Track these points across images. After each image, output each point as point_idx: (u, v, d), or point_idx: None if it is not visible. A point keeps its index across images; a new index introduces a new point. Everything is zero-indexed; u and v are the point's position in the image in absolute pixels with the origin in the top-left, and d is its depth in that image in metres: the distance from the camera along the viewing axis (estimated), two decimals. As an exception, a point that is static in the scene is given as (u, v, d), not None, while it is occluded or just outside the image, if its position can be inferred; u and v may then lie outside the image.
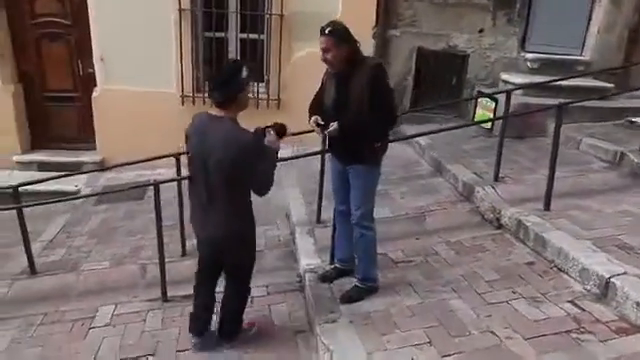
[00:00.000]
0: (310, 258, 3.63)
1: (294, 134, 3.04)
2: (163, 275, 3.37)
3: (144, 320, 3.19)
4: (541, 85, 5.34)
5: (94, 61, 5.90)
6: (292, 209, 4.51)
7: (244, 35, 6.12)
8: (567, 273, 3.06)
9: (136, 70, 5.75)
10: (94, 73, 5.94)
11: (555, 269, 3.15)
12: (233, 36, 6.15)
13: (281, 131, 2.68)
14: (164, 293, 3.38)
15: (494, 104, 5.78)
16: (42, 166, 5.96)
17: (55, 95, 6.20)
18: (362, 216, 2.94)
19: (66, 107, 6.21)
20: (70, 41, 6.01)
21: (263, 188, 2.51)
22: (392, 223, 4.12)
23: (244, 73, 2.45)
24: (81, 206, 5.30)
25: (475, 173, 4.60)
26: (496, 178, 4.38)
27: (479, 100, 6.09)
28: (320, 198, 4.11)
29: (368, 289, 3.03)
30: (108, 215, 5.02)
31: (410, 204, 4.42)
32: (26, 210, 5.42)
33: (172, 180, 3.61)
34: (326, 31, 2.71)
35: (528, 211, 3.69)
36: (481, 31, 6.17)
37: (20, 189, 5.45)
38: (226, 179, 2.45)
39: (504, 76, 6.13)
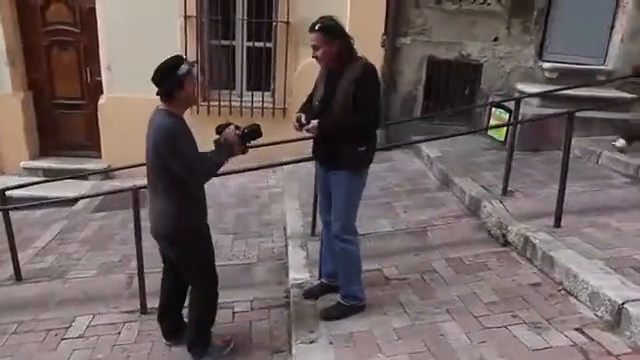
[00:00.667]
0: (299, 272, 3.43)
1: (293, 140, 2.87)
2: (142, 286, 3.22)
3: (119, 333, 3.04)
4: (554, 93, 5.03)
5: (101, 68, 5.91)
6: (288, 220, 4.33)
7: (252, 43, 6.07)
8: (576, 297, 2.77)
9: (141, 77, 5.61)
10: (101, 80, 5.94)
11: (563, 292, 2.85)
12: (240, 44, 6.09)
13: (252, 133, 2.59)
14: (143, 305, 3.23)
15: (507, 115, 5.50)
16: (47, 173, 5.96)
17: (63, 102, 6.24)
18: (342, 228, 2.74)
19: (74, 114, 6.24)
20: (79, 49, 6.06)
21: (194, 174, 2.44)
22: (391, 237, 3.89)
23: (182, 69, 2.38)
24: (79, 213, 5.24)
25: (483, 187, 4.33)
26: (505, 192, 4.10)
27: (492, 111, 5.83)
28: (315, 209, 3.92)
29: (351, 307, 2.81)
30: (104, 223, 4.93)
31: (412, 218, 4.17)
32: (24, 217, 5.48)
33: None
34: (316, 27, 2.60)
35: (537, 227, 3.40)
36: (495, 39, 5.92)
37: (20, 196, 5.50)
38: (155, 167, 2.44)
39: (520, 86, 5.85)
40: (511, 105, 5.15)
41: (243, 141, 2.59)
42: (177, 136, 2.38)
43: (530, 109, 5.46)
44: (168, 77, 2.36)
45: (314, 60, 2.70)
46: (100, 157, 6.16)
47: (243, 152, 2.64)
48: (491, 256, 3.38)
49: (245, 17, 5.98)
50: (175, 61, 2.41)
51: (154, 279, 3.29)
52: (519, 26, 5.91)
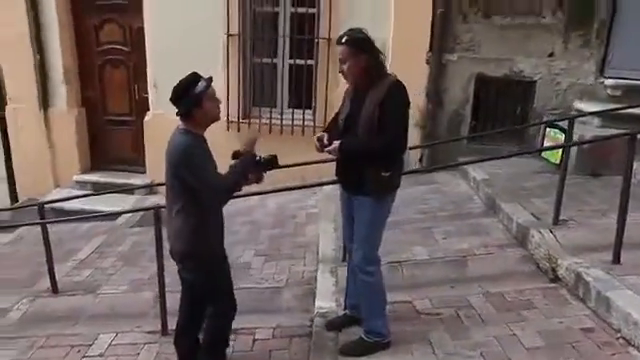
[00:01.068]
0: (325, 300, 3.25)
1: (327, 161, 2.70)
2: (163, 307, 3.16)
3: (138, 354, 2.99)
4: (616, 112, 4.58)
5: (148, 86, 6.10)
6: (320, 244, 4.17)
7: (298, 61, 6.05)
8: (637, 347, 2.39)
9: (185, 95, 5.85)
10: (148, 97, 6.13)
11: (621, 340, 2.48)
12: (282, 61, 6.08)
13: (268, 162, 2.49)
14: (164, 326, 3.17)
15: (563, 136, 5.08)
16: (96, 186, 6.19)
17: (113, 119, 6.50)
18: (364, 258, 2.54)
19: (122, 130, 6.48)
20: (129, 67, 6.30)
21: (210, 194, 2.36)
22: (427, 266, 3.63)
23: (199, 87, 2.30)
24: (119, 228, 5.36)
25: (533, 214, 3.96)
26: (556, 221, 3.72)
27: (547, 132, 5.42)
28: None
29: (374, 344, 2.59)
30: (140, 238, 4.99)
31: (452, 246, 3.88)
32: (73, 229, 5.68)
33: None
34: (342, 40, 2.44)
35: (591, 263, 3.03)
36: (551, 55, 5.52)
37: (70, 209, 5.74)
38: (173, 187, 2.40)
39: (578, 105, 5.40)
40: (566, 124, 4.76)
41: (258, 169, 2.50)
42: (194, 156, 2.31)
43: (590, 129, 5.02)
44: (185, 96, 2.31)
45: None
46: (145, 172, 6.32)
47: (257, 181, 2.54)
48: (537, 292, 3.04)
49: (287, 34, 5.98)
50: (191, 79, 2.36)
51: (177, 300, 3.26)
52: (578, 40, 5.48)
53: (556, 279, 3.18)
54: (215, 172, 2.38)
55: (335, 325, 2.86)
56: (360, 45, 2.42)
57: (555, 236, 3.51)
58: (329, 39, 5.72)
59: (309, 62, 5.97)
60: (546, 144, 5.39)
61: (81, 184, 6.32)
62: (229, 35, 5.81)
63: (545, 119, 5.50)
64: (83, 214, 5.48)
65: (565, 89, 5.57)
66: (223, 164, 2.48)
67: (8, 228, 5.44)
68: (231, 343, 2.92)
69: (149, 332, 3.21)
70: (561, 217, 3.78)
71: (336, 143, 2.45)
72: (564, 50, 5.52)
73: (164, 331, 3.16)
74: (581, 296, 2.90)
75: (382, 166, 2.43)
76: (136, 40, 6.14)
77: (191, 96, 2.30)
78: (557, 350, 2.46)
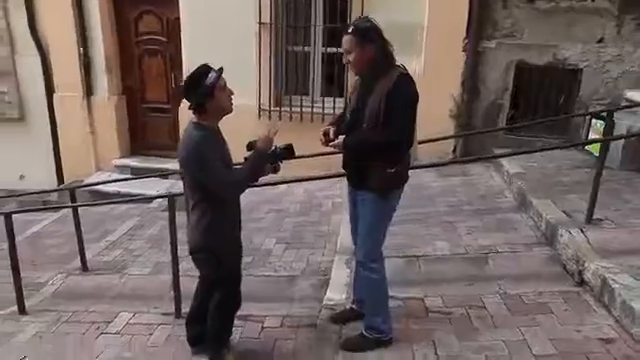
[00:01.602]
0: (336, 292, 3.22)
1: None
2: (177, 291, 3.24)
3: (151, 334, 3.08)
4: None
5: (184, 75, 6.22)
6: (340, 234, 4.12)
7: (330, 49, 5.97)
8: (659, 363, 2.20)
9: (218, 83, 5.93)
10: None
11: (644, 354, 2.29)
12: (316, 50, 6.02)
13: (285, 152, 2.46)
14: (177, 309, 3.25)
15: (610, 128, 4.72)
16: (134, 171, 6.44)
17: (151, 106, 6.71)
18: (366, 255, 2.49)
19: (159, 117, 6.67)
20: (165, 56, 6.47)
21: (220, 188, 2.34)
22: (446, 262, 3.51)
23: (210, 78, 2.26)
24: (152, 211, 5.55)
25: (565, 212, 3.72)
26: (589, 220, 3.47)
27: (593, 123, 5.06)
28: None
29: (374, 340, 2.54)
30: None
31: (475, 242, 3.73)
32: (110, 210, 5.95)
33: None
34: (349, 29, 2.35)
35: (621, 268, 2.80)
36: (600, 40, 5.14)
37: (108, 191, 6.01)
38: (186, 182, 2.40)
39: (629, 94, 4.99)
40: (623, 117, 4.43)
41: (275, 159, 2.47)
42: (203, 153, 2.28)
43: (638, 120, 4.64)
44: (196, 88, 2.27)
45: None
46: (180, 158, 6.50)
47: (274, 171, 2.53)
48: (558, 296, 2.85)
49: (320, 23, 5.90)
50: (202, 71, 2.31)
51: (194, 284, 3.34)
52: (632, 24, 5.06)
53: (582, 283, 2.98)
54: (224, 168, 2.35)
55: (340, 318, 2.83)
56: (366, 35, 2.31)
57: (586, 236, 3.28)
58: (361, 26, 5.59)
59: (339, 50, 5.86)
60: (591, 137, 5.04)
61: (120, 168, 6.60)
62: (261, 24, 5.80)
63: (591, 109, 5.14)
64: (119, 197, 5.77)
65: (615, 77, 5.17)
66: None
67: (51, 209, 5.79)
68: (239, 329, 2.97)
69: (164, 314, 3.31)
70: (596, 216, 3.53)
71: (340, 138, 2.39)
72: (616, 35, 5.11)
73: (178, 314, 3.25)
74: (606, 303, 2.70)
75: (387, 162, 2.34)
76: (172, 30, 6.28)
77: (203, 88, 2.26)
78: None
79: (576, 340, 2.45)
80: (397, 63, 2.41)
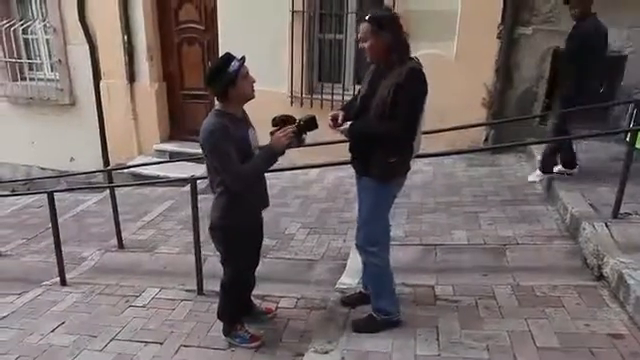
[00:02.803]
0: (349, 277, 3.31)
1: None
2: (199, 268, 3.43)
3: (173, 309, 3.29)
4: None
5: (220, 62, 6.42)
6: (361, 221, 4.18)
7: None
8: (667, 361, 2.14)
9: (252, 70, 6.07)
10: (219, 73, 6.46)
11: (653, 352, 2.23)
12: (349, 38, 6.03)
13: (308, 123, 2.49)
14: (199, 286, 3.45)
15: (652, 119, 4.48)
16: (173, 155, 6.74)
17: (190, 93, 6.97)
18: (365, 238, 2.54)
19: (197, 104, 6.91)
20: (203, 44, 6.67)
21: (228, 177, 2.42)
22: (462, 252, 3.51)
23: (233, 66, 2.35)
24: (187, 194, 5.79)
25: (591, 204, 3.60)
26: (616, 214, 3.35)
27: (635, 113, 4.80)
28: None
29: (383, 322, 2.60)
30: (202, 204, 5.34)
31: (495, 232, 3.69)
32: (150, 192, 6.29)
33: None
34: (366, 17, 2.38)
35: (641, 264, 2.71)
36: (649, 25, 4.83)
37: (147, 174, 6.33)
38: (206, 165, 2.51)
39: (677, 83, 4.70)
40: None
41: (300, 133, 2.51)
42: (218, 142, 2.36)
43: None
44: (219, 76, 2.36)
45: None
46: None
47: (299, 144, 2.58)
48: (571, 290, 2.80)
49: (354, 10, 5.90)
50: (225, 59, 2.40)
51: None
52: (684, 7, 4.73)
53: (600, 277, 2.90)
54: (234, 160, 2.38)
55: (350, 301, 2.91)
56: (382, 23, 2.33)
57: (610, 230, 3.18)
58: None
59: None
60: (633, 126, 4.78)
61: (160, 152, 6.92)
62: (294, 12, 5.87)
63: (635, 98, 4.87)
64: (158, 179, 6.09)
65: (663, 65, 4.87)
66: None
67: (89, 189, 6.22)
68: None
69: (188, 290, 3.51)
70: (624, 210, 3.40)
71: (347, 124, 2.45)
72: (666, 19, 4.79)
73: (200, 291, 3.45)
74: (621, 299, 2.63)
75: (389, 152, 2.39)
76: (210, 19, 6.47)
77: (226, 75, 2.34)
78: (571, 354, 2.27)
79: (583, 334, 2.41)
80: (412, 56, 2.41)
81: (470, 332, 2.51)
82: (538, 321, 2.55)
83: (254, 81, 2.48)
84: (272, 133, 2.53)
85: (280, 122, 2.52)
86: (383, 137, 2.38)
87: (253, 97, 2.51)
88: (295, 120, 2.52)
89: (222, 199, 2.53)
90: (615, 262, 2.77)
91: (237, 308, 2.83)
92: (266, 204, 2.75)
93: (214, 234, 2.66)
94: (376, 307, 2.64)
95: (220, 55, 2.48)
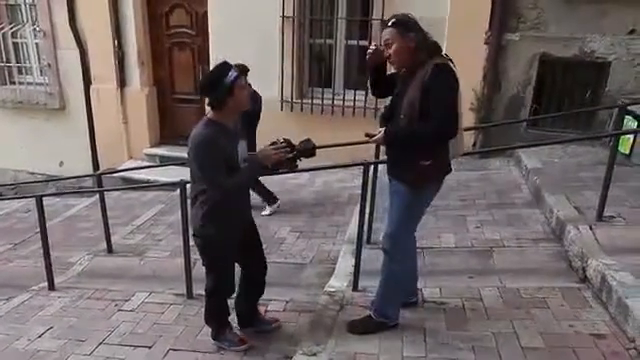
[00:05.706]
0: (338, 280, 3.33)
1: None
2: (188, 273, 3.43)
3: (162, 313, 3.29)
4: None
5: (211, 67, 6.43)
6: (351, 224, 4.21)
7: (353, 42, 6.03)
8: (647, 360, 2.18)
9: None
10: (210, 78, 6.48)
11: (633, 352, 2.27)
12: (339, 43, 6.08)
13: (305, 152, 2.51)
14: (189, 290, 3.45)
15: (636, 123, 4.57)
16: (163, 159, 6.71)
17: (180, 97, 6.97)
18: (389, 240, 2.51)
19: (188, 108, 6.91)
20: (194, 49, 6.68)
21: (213, 188, 2.43)
22: (450, 255, 3.54)
23: (230, 76, 2.32)
24: (177, 198, 5.78)
25: (576, 208, 3.66)
26: (600, 217, 3.41)
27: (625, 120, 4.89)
28: (371, 216, 3.76)
29: (378, 324, 2.60)
30: (193, 209, 5.38)
31: (482, 235, 3.74)
32: (139, 197, 6.27)
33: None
34: (389, 23, 2.36)
35: (624, 265, 2.76)
36: (632, 32, 4.94)
37: (138, 179, 6.31)
38: (190, 172, 2.52)
39: (660, 89, 4.81)
40: None
41: (294, 159, 2.53)
42: (206, 153, 2.36)
43: (671, 117, 4.46)
44: (217, 86, 2.32)
45: None
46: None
47: (292, 169, 2.61)
48: (556, 292, 2.84)
49: (343, 15, 5.95)
50: (222, 69, 2.35)
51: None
52: (666, 15, 4.84)
53: (585, 279, 2.95)
54: (221, 171, 2.38)
55: None
56: (407, 25, 2.32)
57: (594, 233, 3.23)
58: (383, 20, 5.60)
59: (362, 43, 5.91)
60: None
61: (150, 157, 6.90)
62: (284, 17, 5.91)
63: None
64: (148, 184, 6.07)
65: (646, 71, 4.97)
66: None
67: (78, 193, 6.19)
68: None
69: (177, 294, 3.51)
70: (609, 213, 3.47)
71: (380, 131, 2.38)
72: (648, 26, 4.90)
73: (189, 295, 3.45)
74: (604, 300, 2.67)
75: (422, 154, 2.32)
76: (201, 24, 6.48)
77: (223, 85, 2.30)
78: (555, 354, 2.31)
79: (567, 335, 2.45)
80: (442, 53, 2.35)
81: (457, 333, 2.55)
82: (523, 322, 2.59)
83: (250, 91, 2.49)
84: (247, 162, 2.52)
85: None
86: (421, 139, 2.31)
87: (248, 107, 2.51)
88: (291, 144, 2.51)
89: (204, 207, 2.52)
90: (598, 264, 2.82)
91: (222, 312, 2.82)
92: (246, 221, 2.73)
93: (196, 241, 2.67)
94: (378, 309, 2.62)
95: (216, 63, 2.42)
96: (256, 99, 4.58)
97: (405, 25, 2.32)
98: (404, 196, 2.44)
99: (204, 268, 2.75)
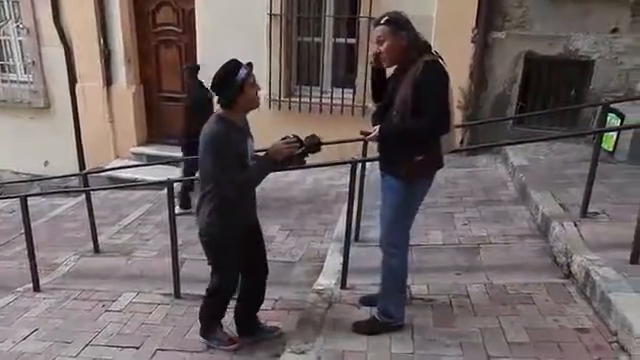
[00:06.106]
0: (327, 278, 3.34)
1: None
2: (176, 273, 3.41)
3: (150, 313, 3.27)
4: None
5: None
6: (339, 222, 4.22)
7: (340, 40, 6.04)
8: (629, 355, 2.22)
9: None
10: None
11: (615, 345, 2.31)
12: (326, 41, 6.08)
13: (312, 147, 2.49)
14: (176, 290, 3.43)
15: (619, 121, 4.65)
16: (150, 158, 6.66)
17: (167, 96, 6.92)
18: (386, 239, 2.51)
19: (175, 107, 6.82)
20: (180, 47, 6.64)
21: (223, 185, 2.39)
22: (438, 252, 3.57)
23: (241, 74, 2.30)
24: (164, 197, 5.74)
25: (561, 204, 3.72)
26: (585, 213, 3.47)
27: (609, 118, 4.96)
28: (359, 214, 3.77)
29: (384, 325, 2.58)
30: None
31: (470, 233, 3.77)
32: (126, 196, 6.21)
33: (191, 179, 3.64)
34: (381, 21, 2.36)
35: (607, 261, 2.80)
36: (614, 31, 5.01)
37: (125, 178, 6.26)
38: (200, 170, 2.50)
39: (641, 87, 4.89)
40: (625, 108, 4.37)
41: (304, 153, 2.51)
42: (219, 148, 2.33)
43: (652, 114, 4.54)
44: (228, 84, 2.31)
45: None
46: (194, 147, 6.69)
47: (300, 163, 2.59)
48: (541, 288, 2.88)
49: (331, 13, 5.95)
50: (232, 66, 2.33)
51: (198, 267, 3.50)
52: (648, 14, 4.92)
53: (569, 275, 2.99)
54: (234, 167, 2.37)
55: (369, 302, 2.86)
56: (399, 24, 2.34)
57: (578, 229, 3.28)
58: (370, 18, 5.61)
59: (349, 41, 5.92)
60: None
61: (137, 155, 6.84)
62: (271, 15, 5.89)
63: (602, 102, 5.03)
64: (135, 183, 6.01)
65: (629, 69, 5.05)
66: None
67: (63, 192, 6.13)
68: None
69: (165, 294, 3.49)
70: (593, 210, 3.52)
71: (375, 130, 2.40)
72: (631, 25, 4.98)
73: (177, 295, 3.43)
74: (588, 295, 2.72)
75: (415, 150, 2.35)
76: (187, 22, 6.44)
77: (234, 83, 2.28)
78: (540, 348, 2.35)
79: (552, 329, 2.49)
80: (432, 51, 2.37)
81: (444, 330, 2.57)
82: (509, 318, 2.62)
83: (259, 89, 2.46)
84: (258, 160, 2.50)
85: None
86: (415, 135, 2.33)
87: (258, 105, 2.46)
88: (302, 141, 2.49)
89: (211, 205, 2.50)
90: (582, 259, 2.87)
91: (220, 312, 2.80)
92: (251, 220, 2.71)
93: (201, 240, 2.63)
94: (382, 309, 2.61)
95: (226, 62, 2.37)
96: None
97: (397, 23, 2.34)
98: (398, 192, 2.45)
99: (209, 267, 2.69)
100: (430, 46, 2.39)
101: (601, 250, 2.96)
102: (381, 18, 2.38)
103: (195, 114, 4.67)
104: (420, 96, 2.26)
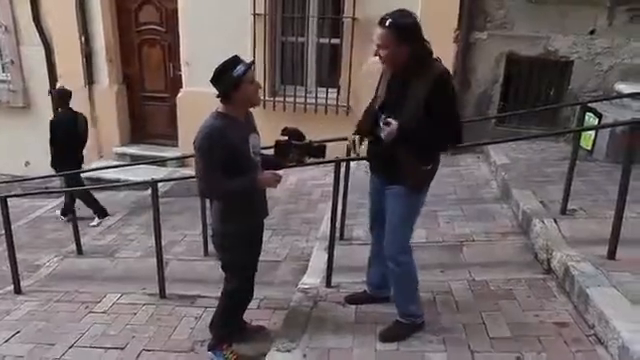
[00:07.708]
0: (312, 277, 3.34)
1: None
2: (161, 272, 3.40)
3: (135, 313, 3.25)
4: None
5: (181, 64, 6.35)
6: (323, 222, 4.24)
7: (325, 40, 6.06)
8: (606, 347, 2.29)
9: (214, 73, 6.05)
10: (181, 75, 6.39)
11: (593, 338, 2.38)
12: (311, 41, 6.09)
13: (316, 151, 2.48)
14: (161, 290, 3.41)
15: (597, 120, 4.75)
16: (134, 158, 6.59)
17: (150, 95, 6.86)
18: (395, 246, 2.49)
19: (158, 106, 6.82)
20: (164, 46, 6.59)
21: (203, 185, 2.38)
22: (421, 250, 3.54)
23: (238, 70, 2.28)
24: (148, 198, 5.70)
25: (542, 202, 3.79)
26: (564, 210, 3.55)
27: (586, 117, 5.08)
28: (343, 213, 3.80)
29: (410, 325, 2.57)
30: (165, 208, 5.23)
31: (453, 230, 3.82)
32: (109, 196, 6.14)
33: (175, 179, 3.64)
34: (386, 22, 2.16)
35: (585, 256, 2.88)
36: (592, 32, 5.13)
37: (109, 178, 6.19)
38: None
39: (619, 86, 5.01)
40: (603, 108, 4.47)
41: (305, 154, 2.50)
42: (208, 145, 2.29)
43: (630, 113, 4.64)
44: (223, 78, 2.29)
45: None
46: (178, 146, 6.65)
47: (299, 162, 2.59)
48: (523, 283, 2.95)
49: (315, 14, 5.97)
50: (231, 62, 2.31)
51: (185, 266, 3.50)
52: (625, 15, 5.05)
53: (549, 271, 3.06)
54: (217, 170, 2.31)
55: (355, 300, 2.89)
56: (405, 33, 2.17)
57: (558, 226, 3.36)
58: (354, 18, 5.65)
59: (333, 41, 5.94)
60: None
61: (120, 156, 6.77)
62: (255, 15, 5.89)
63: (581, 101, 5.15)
64: (119, 183, 5.95)
65: (606, 69, 5.18)
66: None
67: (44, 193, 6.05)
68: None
69: (150, 295, 3.47)
70: (572, 207, 3.61)
71: (394, 123, 2.24)
72: (608, 27, 5.11)
73: (162, 295, 3.42)
74: (567, 290, 2.78)
75: (425, 159, 2.34)
76: (171, 20, 6.39)
77: (229, 78, 2.28)
78: (521, 342, 2.40)
79: (532, 324, 2.54)
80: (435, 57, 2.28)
81: (428, 327, 2.60)
82: (492, 313, 2.67)
83: (260, 87, 2.45)
84: (277, 142, 2.47)
85: (288, 134, 2.47)
86: (436, 141, 2.33)
87: (258, 103, 2.45)
88: (303, 137, 2.48)
89: (220, 204, 2.49)
90: (562, 255, 2.94)
91: (236, 319, 2.77)
92: (265, 214, 2.70)
93: (214, 240, 2.61)
94: (405, 312, 2.58)
95: (230, 56, 2.35)
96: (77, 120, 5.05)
97: (401, 33, 2.16)
98: (407, 200, 2.41)
99: (221, 270, 2.65)
100: (432, 52, 2.27)
101: (580, 246, 3.04)
102: (385, 19, 2.18)
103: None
104: (436, 111, 2.21)
